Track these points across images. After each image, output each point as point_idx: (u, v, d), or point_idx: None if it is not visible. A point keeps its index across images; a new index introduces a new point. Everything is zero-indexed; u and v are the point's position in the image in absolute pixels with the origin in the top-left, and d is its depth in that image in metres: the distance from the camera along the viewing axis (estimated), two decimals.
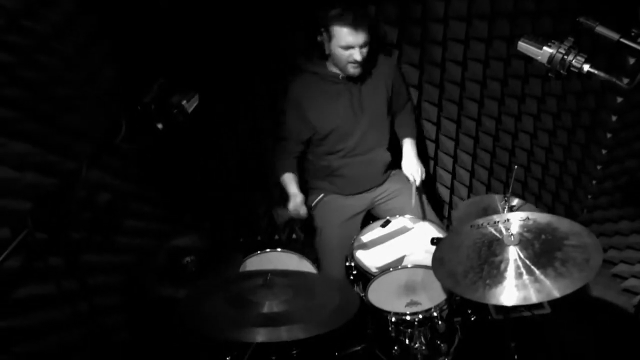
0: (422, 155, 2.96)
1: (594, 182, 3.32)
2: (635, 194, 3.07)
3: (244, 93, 3.06)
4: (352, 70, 2.62)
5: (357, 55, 2.54)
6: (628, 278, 3.13)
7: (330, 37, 2.56)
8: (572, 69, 1.60)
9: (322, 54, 2.67)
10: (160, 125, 1.73)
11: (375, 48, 2.71)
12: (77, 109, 2.16)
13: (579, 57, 1.60)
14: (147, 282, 2.30)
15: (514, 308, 2.97)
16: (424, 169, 2.82)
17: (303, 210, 2.68)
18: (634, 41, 1.50)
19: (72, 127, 2.12)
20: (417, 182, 2.75)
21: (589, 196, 3.39)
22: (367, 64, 2.66)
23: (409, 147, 2.90)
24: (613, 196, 3.24)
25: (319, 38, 2.61)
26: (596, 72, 1.57)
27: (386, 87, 2.80)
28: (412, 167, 2.80)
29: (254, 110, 3.17)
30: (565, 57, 1.61)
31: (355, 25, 2.49)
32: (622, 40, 1.51)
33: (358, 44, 2.53)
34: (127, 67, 2.51)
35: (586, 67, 1.59)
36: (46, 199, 1.52)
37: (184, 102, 1.78)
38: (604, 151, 3.15)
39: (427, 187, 3.54)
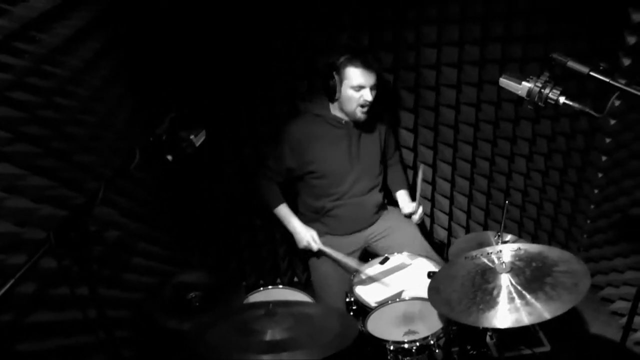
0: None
1: (588, 221, 3.39)
2: (629, 231, 3.15)
3: (249, 135, 3.18)
4: (360, 114, 2.73)
5: (368, 95, 2.66)
6: (626, 315, 3.16)
7: (342, 79, 2.66)
8: (549, 101, 1.74)
9: (329, 98, 2.77)
10: (170, 157, 1.86)
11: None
12: (91, 149, 2.29)
13: (554, 90, 1.74)
14: (154, 315, 2.36)
15: (514, 346, 3.01)
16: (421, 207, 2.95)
17: (313, 244, 2.83)
18: (602, 74, 1.64)
19: (86, 165, 2.24)
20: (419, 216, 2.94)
21: (585, 235, 3.45)
22: (369, 113, 2.77)
23: (404, 198, 3.09)
24: (607, 234, 3.30)
25: (330, 82, 2.69)
26: (570, 103, 1.70)
27: (379, 139, 2.95)
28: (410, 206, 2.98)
29: (259, 154, 3.27)
30: (543, 90, 1.75)
31: (367, 66, 2.63)
32: (591, 73, 1.65)
33: (369, 85, 2.65)
34: (140, 106, 2.67)
35: (562, 99, 1.73)
36: (66, 222, 1.61)
37: (192, 137, 1.91)
38: (596, 190, 3.24)
39: (425, 228, 3.64)
